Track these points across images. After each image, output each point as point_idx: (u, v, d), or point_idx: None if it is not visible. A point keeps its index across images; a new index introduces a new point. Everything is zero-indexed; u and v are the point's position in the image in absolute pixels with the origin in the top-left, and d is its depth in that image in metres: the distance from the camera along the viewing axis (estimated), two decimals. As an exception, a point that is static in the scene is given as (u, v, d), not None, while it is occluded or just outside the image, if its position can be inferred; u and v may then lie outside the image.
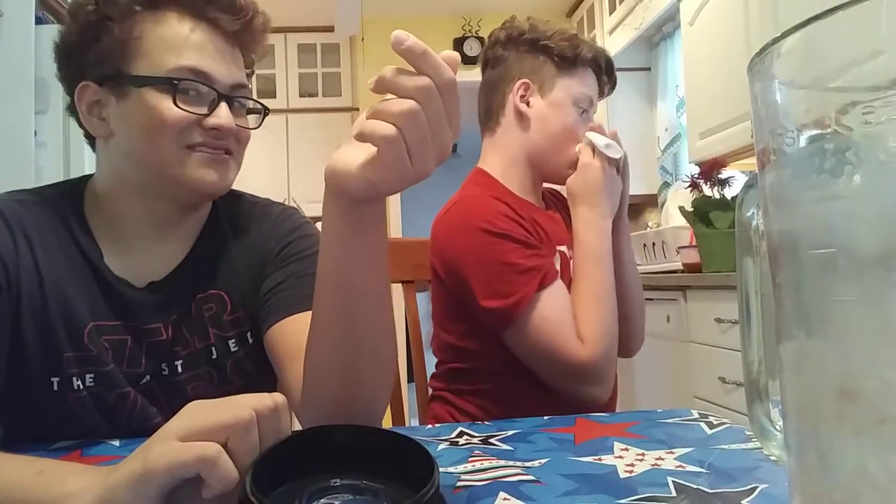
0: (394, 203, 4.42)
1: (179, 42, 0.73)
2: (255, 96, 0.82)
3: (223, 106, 0.75)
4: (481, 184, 1.15)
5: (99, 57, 0.74)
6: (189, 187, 0.75)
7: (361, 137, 0.48)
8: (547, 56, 1.16)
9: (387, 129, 0.46)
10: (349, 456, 0.44)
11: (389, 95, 0.47)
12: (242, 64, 0.80)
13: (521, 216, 1.06)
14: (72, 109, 0.78)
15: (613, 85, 1.24)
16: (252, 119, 0.82)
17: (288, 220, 0.86)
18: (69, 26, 0.75)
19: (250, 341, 0.81)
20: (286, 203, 0.92)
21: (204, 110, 0.74)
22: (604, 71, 1.20)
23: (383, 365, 0.63)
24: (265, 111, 0.84)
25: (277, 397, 0.44)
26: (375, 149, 0.48)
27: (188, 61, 0.73)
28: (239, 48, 0.79)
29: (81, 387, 0.73)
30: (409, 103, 0.46)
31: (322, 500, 0.40)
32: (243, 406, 0.43)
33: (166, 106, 0.72)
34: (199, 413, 0.43)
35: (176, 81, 0.72)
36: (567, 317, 1.01)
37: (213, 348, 0.79)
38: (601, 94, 1.21)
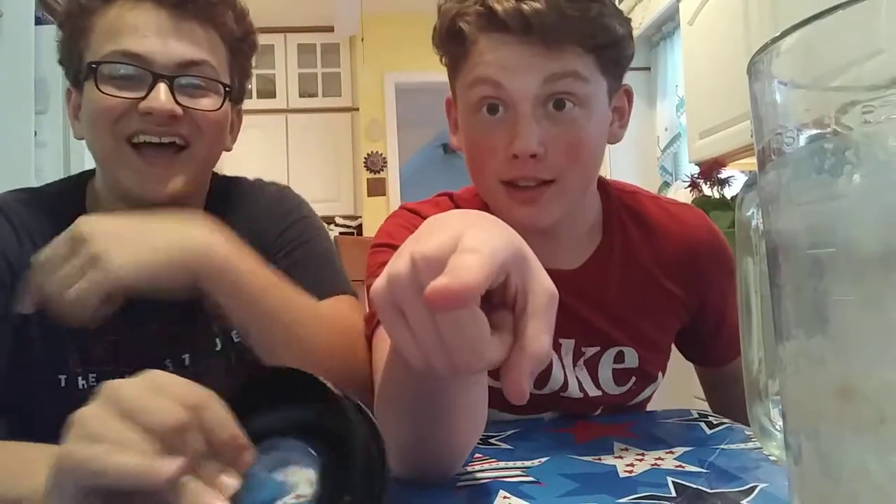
0: (394, 204, 4.42)
1: (115, 27, 0.69)
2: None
3: (161, 87, 0.68)
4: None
5: (69, 57, 0.73)
6: (125, 190, 0.71)
7: None
8: None
9: None
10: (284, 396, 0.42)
11: None
12: (201, 38, 0.72)
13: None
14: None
15: None
16: (212, 101, 0.72)
17: (282, 201, 0.85)
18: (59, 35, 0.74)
19: None
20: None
21: (141, 94, 0.68)
22: None
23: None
24: (226, 89, 0.74)
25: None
26: None
27: (120, 45, 0.68)
28: (196, 21, 0.72)
29: (86, 386, 0.73)
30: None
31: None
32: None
33: (96, 94, 0.68)
34: None
35: (94, 65, 0.67)
36: None
37: (217, 340, 0.79)
38: None
